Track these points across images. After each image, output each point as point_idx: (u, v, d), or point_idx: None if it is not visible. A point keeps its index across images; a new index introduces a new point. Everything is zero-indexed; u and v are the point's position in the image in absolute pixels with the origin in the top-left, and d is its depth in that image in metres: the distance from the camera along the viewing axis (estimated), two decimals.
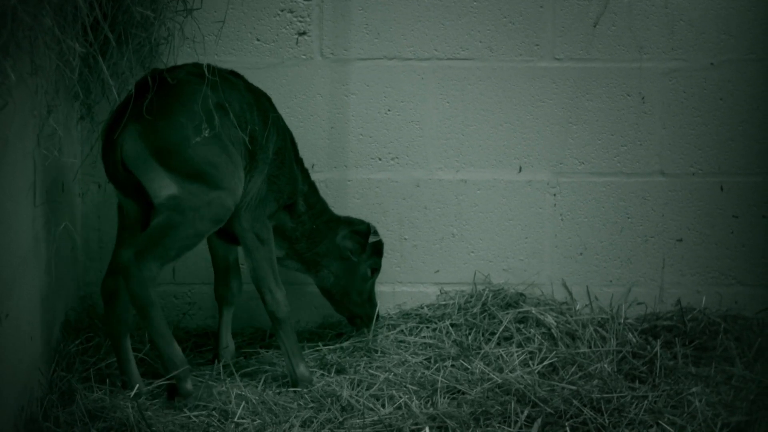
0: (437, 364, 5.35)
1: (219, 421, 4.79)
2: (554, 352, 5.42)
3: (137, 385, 4.93)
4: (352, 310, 5.65)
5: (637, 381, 5.27)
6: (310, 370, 5.29)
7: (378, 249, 5.64)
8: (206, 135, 4.89)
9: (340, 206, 5.78)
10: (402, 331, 5.72)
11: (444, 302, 5.92)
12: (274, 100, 5.41)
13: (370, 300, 5.66)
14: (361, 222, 5.63)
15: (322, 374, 5.33)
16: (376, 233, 5.61)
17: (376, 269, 5.65)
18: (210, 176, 4.89)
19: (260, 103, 5.21)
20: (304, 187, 5.47)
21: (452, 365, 5.34)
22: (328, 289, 5.62)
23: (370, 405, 4.97)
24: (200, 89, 4.91)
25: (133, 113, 4.83)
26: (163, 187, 4.87)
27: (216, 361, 5.49)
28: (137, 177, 4.89)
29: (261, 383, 5.24)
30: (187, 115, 4.88)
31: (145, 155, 4.86)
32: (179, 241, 4.89)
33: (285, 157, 5.28)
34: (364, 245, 5.57)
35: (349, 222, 5.63)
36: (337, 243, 5.55)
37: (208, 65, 5.00)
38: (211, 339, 5.77)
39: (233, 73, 5.21)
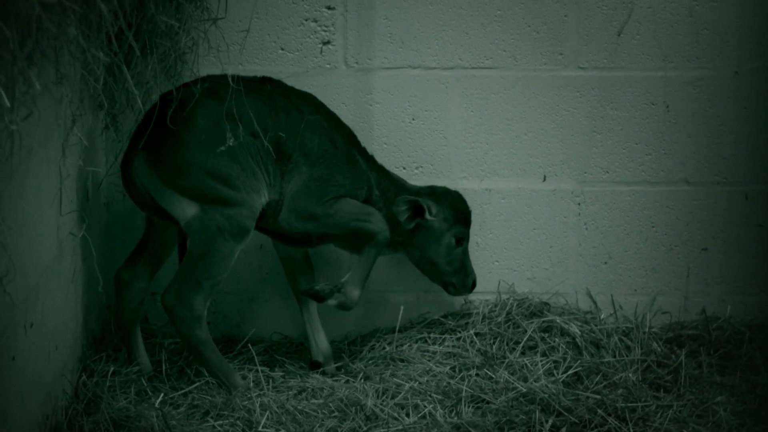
0: (462, 374, 5.35)
1: (243, 430, 4.80)
2: (579, 362, 5.41)
3: (162, 394, 4.95)
4: (444, 279, 5.57)
5: (661, 390, 5.26)
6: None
7: (461, 218, 5.54)
8: (215, 150, 4.94)
9: None
10: (426, 340, 5.71)
11: (468, 311, 5.91)
12: None
13: (464, 268, 5.58)
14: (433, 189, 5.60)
15: (347, 380, 5.33)
16: (439, 203, 5.51)
17: (461, 238, 5.53)
18: (224, 192, 4.93)
19: (294, 106, 5.23)
20: (373, 175, 5.46)
21: (477, 374, 5.33)
22: (417, 263, 5.58)
23: (395, 414, 4.97)
24: (205, 104, 4.95)
25: (142, 139, 4.92)
26: (184, 209, 4.95)
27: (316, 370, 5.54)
28: (158, 202, 5.00)
29: (286, 392, 5.25)
30: (191, 133, 4.93)
31: (157, 183, 4.93)
32: (213, 267, 4.95)
33: (337, 157, 5.28)
34: (405, 212, 5.42)
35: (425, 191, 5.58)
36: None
37: (221, 76, 5.04)
38: (235, 346, 5.75)
39: (264, 80, 5.23)
